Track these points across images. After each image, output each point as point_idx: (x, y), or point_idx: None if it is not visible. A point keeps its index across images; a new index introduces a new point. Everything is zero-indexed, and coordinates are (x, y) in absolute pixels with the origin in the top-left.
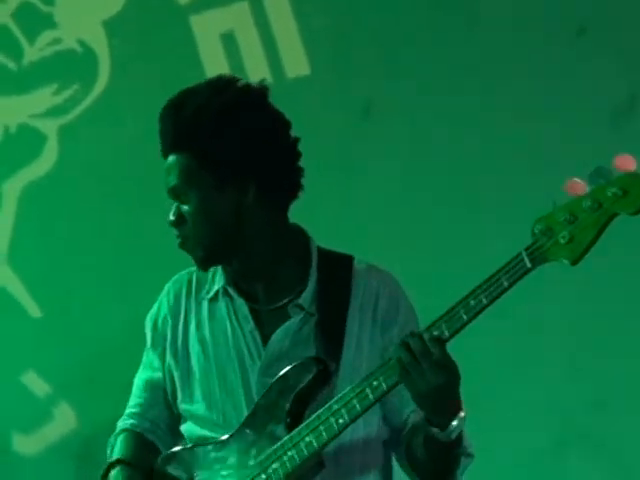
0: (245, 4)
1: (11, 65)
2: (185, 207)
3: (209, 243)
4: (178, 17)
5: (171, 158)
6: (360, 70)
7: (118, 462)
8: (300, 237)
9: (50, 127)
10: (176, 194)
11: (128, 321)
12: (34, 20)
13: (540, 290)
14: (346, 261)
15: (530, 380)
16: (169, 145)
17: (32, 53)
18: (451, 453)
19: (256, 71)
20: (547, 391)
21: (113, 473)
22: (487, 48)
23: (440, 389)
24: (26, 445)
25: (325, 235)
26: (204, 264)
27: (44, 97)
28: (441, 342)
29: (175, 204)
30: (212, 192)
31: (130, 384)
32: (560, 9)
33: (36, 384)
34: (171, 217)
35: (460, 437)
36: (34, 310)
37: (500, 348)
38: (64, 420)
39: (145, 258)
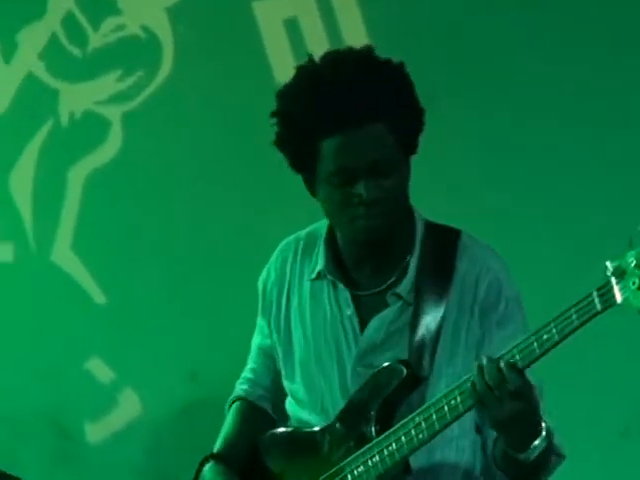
0: None
1: (76, 52)
2: (388, 180)
3: (402, 217)
4: (241, 3)
5: (373, 128)
6: (422, 57)
7: (213, 457)
8: (410, 211)
9: (114, 113)
10: (382, 167)
11: (191, 306)
12: (98, 6)
13: None
14: (451, 239)
15: (597, 367)
16: (360, 116)
17: (96, 40)
18: (532, 467)
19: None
20: (615, 377)
21: (206, 468)
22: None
23: (516, 417)
24: (92, 432)
25: None
26: (390, 234)
27: (108, 84)
28: (518, 370)
29: (368, 179)
30: (406, 159)
31: (195, 368)
32: None
33: (101, 370)
34: (374, 193)
35: (548, 449)
36: (99, 297)
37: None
38: (128, 406)
39: (208, 244)
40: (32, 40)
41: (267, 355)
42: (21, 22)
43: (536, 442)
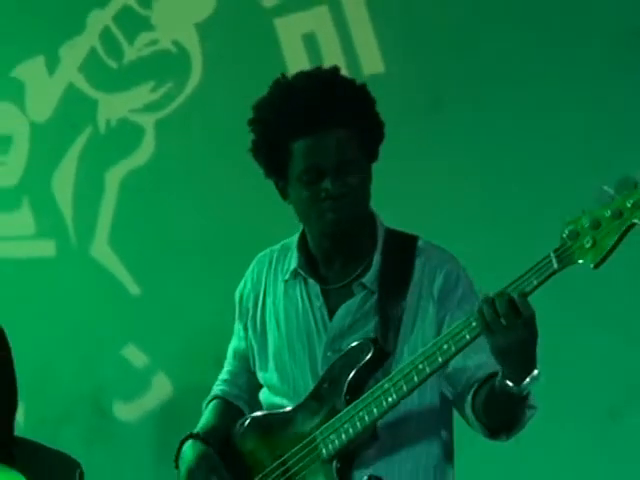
0: (325, 7)
1: (112, 64)
2: (352, 178)
3: (364, 213)
4: (264, 20)
5: (339, 132)
6: (429, 67)
7: (192, 436)
8: (372, 216)
9: (147, 121)
10: (346, 166)
11: (218, 297)
12: (133, 23)
13: None
14: (410, 241)
15: (589, 344)
16: (329, 120)
17: (131, 53)
18: (519, 406)
19: None
20: (606, 355)
21: (186, 445)
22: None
23: (520, 345)
24: (127, 412)
25: (396, 224)
26: (355, 228)
27: (142, 93)
28: (524, 295)
29: (334, 176)
30: (368, 164)
31: (220, 355)
32: None
33: (135, 356)
34: (340, 188)
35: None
36: (133, 288)
37: (560, 313)
38: (161, 389)
39: (233, 240)
40: (73, 54)
41: (242, 357)
42: (63, 37)
43: (529, 378)
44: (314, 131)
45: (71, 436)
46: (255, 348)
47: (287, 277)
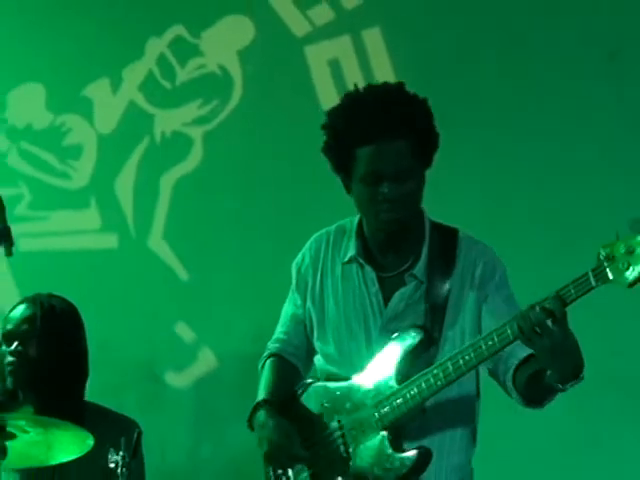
0: (347, 37)
1: (167, 85)
2: (407, 184)
3: (415, 213)
4: (295, 47)
5: (399, 143)
6: (440, 92)
7: (264, 402)
8: (420, 211)
9: (196, 133)
10: (403, 174)
11: (255, 283)
12: (184, 50)
13: None
14: (452, 234)
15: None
16: (390, 132)
17: (183, 75)
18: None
19: None
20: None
21: (259, 412)
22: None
23: (565, 349)
24: (177, 380)
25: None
26: (406, 226)
27: (192, 110)
28: (564, 302)
29: (391, 182)
30: (422, 171)
31: (256, 331)
32: None
33: (185, 332)
34: (396, 193)
35: None
36: (183, 274)
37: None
38: (206, 361)
39: (267, 232)
40: (133, 76)
41: (299, 322)
42: (125, 62)
43: (574, 381)
44: (377, 140)
45: (131, 401)
46: (314, 319)
47: (345, 260)
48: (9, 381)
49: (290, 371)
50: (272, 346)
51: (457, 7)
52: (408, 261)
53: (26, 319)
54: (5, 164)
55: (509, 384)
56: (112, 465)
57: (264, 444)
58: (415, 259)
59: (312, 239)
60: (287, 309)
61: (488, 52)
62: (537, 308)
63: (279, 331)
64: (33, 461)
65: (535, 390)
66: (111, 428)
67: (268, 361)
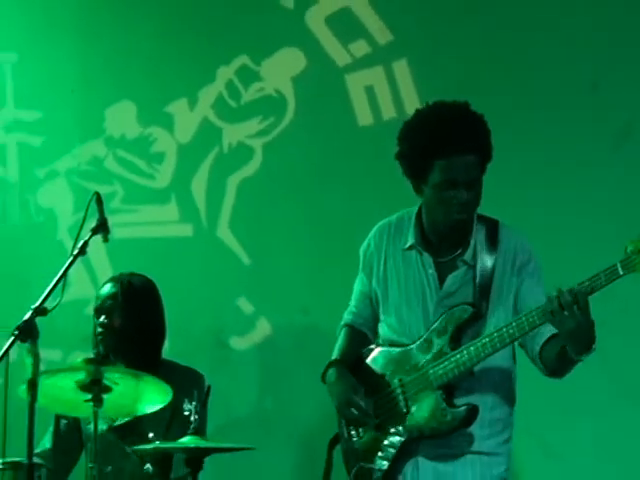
0: (380, 67)
1: (233, 104)
2: (474, 190)
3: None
4: (338, 75)
5: (470, 157)
6: None
7: (335, 362)
8: None
9: (257, 144)
10: (472, 182)
11: (306, 263)
12: (248, 75)
13: None
14: (494, 225)
15: None
16: (464, 147)
17: (246, 96)
18: (574, 365)
19: (387, 111)
20: None
21: (330, 370)
22: None
23: (580, 329)
24: (240, 344)
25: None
26: (465, 224)
27: (253, 125)
28: (585, 294)
29: (464, 189)
30: (481, 182)
31: (306, 304)
32: None
33: (245, 305)
34: (467, 198)
35: None
36: (245, 259)
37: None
38: (263, 329)
39: (316, 225)
40: (207, 96)
41: (367, 297)
42: (200, 85)
43: (588, 352)
44: (453, 155)
45: (201, 362)
46: (379, 295)
47: (406, 247)
48: (100, 348)
49: (359, 338)
50: (346, 317)
51: (470, 43)
52: (459, 248)
53: (110, 296)
54: (103, 167)
55: (537, 359)
56: (186, 413)
57: (334, 398)
58: (465, 247)
59: (376, 228)
60: (357, 287)
61: (498, 81)
62: (567, 294)
63: (351, 305)
64: (123, 411)
65: (559, 364)
66: (185, 382)
67: (342, 330)
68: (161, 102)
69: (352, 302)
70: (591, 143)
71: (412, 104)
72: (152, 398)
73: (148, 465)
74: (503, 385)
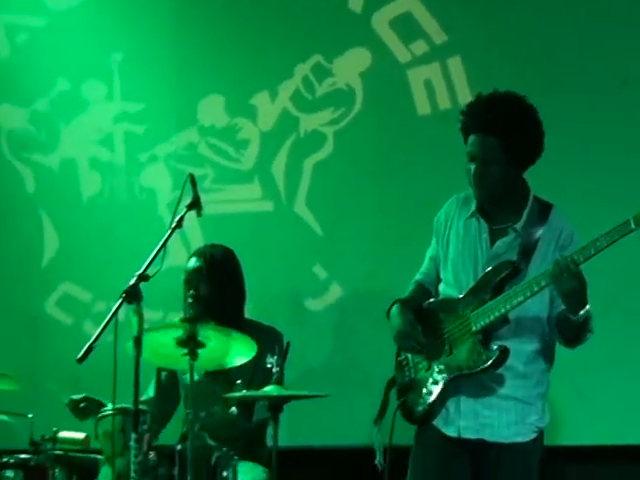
0: (437, 64)
1: (309, 96)
2: (488, 169)
3: (498, 192)
4: (400, 70)
5: (490, 138)
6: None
7: (398, 301)
8: (525, 187)
9: (329, 131)
10: (488, 160)
11: (372, 237)
12: (321, 72)
13: None
14: (547, 206)
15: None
16: (485, 129)
17: (320, 90)
18: (580, 328)
19: (443, 102)
20: None
21: (394, 307)
22: None
23: (574, 290)
24: (314, 305)
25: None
26: (490, 199)
27: (326, 115)
28: (577, 262)
29: (480, 165)
30: (508, 164)
31: (371, 270)
32: None
33: (320, 271)
34: (477, 174)
35: (587, 322)
36: (319, 230)
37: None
38: (335, 292)
39: (380, 202)
40: (286, 90)
41: (434, 260)
42: (280, 80)
43: (582, 312)
44: (478, 132)
45: (280, 321)
46: (441, 255)
47: (468, 216)
48: (191, 313)
49: (424, 292)
50: (416, 277)
51: (517, 41)
52: (512, 219)
53: (195, 270)
54: (197, 152)
55: (554, 330)
56: (269, 365)
57: (394, 329)
58: (518, 218)
59: (449, 202)
60: (427, 253)
61: (537, 77)
62: (563, 260)
63: (423, 266)
64: (214, 363)
65: (564, 329)
66: (267, 338)
67: (411, 285)
68: (246, 95)
69: (423, 264)
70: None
71: (464, 96)
72: (239, 352)
73: (233, 408)
74: (539, 335)
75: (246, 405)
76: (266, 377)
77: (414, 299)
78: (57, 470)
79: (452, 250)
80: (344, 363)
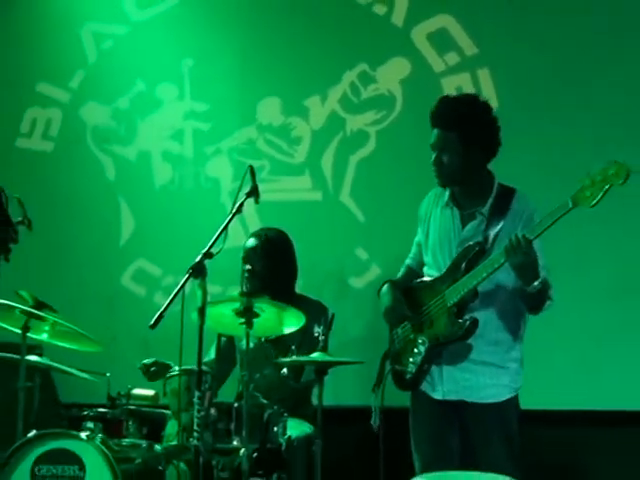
0: (467, 74)
1: (355, 100)
2: (443, 158)
3: (456, 179)
4: (435, 79)
5: (449, 133)
6: (531, 111)
7: (387, 281)
8: (490, 176)
9: (372, 131)
10: (443, 150)
11: (407, 225)
12: (366, 79)
13: None
14: (510, 191)
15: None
16: (442, 124)
17: (365, 94)
18: (536, 298)
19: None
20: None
21: (384, 286)
22: None
23: (525, 264)
24: (357, 283)
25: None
26: (452, 184)
27: (369, 116)
28: (527, 240)
29: (437, 154)
30: (467, 153)
31: (403, 254)
32: None
33: (361, 254)
34: (434, 161)
35: (543, 292)
36: (361, 217)
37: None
38: (374, 271)
39: (418, 196)
40: (334, 94)
41: (419, 246)
42: (330, 84)
43: (535, 283)
44: (437, 127)
45: (326, 295)
46: (423, 241)
47: (443, 205)
48: (247, 287)
49: (413, 274)
50: (406, 261)
51: (537, 57)
52: (479, 205)
53: (252, 248)
54: (255, 147)
55: (520, 301)
56: (315, 334)
57: (383, 305)
58: (484, 203)
59: (429, 194)
60: (415, 238)
61: (560, 87)
62: (515, 238)
63: (411, 251)
64: (267, 331)
65: (527, 300)
66: (315, 311)
67: (402, 269)
68: (300, 98)
69: (411, 250)
70: None
71: (492, 103)
72: (289, 322)
73: (284, 370)
74: (508, 306)
75: (295, 369)
76: (313, 344)
77: (403, 280)
78: (130, 422)
79: (431, 236)
80: (381, 334)
